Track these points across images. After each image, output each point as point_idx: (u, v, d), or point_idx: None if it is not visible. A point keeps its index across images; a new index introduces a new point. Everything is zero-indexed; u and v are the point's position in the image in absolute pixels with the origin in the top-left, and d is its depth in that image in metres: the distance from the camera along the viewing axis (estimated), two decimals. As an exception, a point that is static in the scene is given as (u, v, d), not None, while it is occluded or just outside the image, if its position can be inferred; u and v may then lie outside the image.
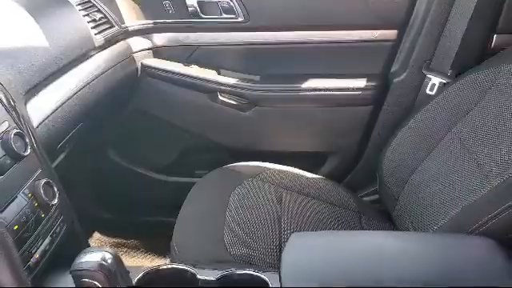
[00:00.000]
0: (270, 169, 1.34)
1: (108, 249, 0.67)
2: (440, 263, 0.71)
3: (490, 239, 0.77)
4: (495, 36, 1.29)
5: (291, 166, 1.37)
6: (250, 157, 1.41)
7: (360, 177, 1.53)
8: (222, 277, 0.83)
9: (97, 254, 0.66)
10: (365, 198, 1.51)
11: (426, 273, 0.69)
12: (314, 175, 1.38)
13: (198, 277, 0.84)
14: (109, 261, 0.65)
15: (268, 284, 0.82)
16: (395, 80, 1.41)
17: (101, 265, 0.65)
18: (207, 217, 1.18)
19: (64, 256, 0.82)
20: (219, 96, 1.49)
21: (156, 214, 1.61)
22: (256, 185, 1.26)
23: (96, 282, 0.64)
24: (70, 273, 0.65)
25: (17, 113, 0.83)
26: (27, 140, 0.82)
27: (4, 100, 0.81)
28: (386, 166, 1.25)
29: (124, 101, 1.49)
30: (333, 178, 1.42)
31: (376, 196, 1.46)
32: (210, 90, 1.49)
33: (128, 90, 1.46)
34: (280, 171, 1.33)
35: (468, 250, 0.76)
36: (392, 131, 1.29)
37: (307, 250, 0.77)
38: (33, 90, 0.94)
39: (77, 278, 0.65)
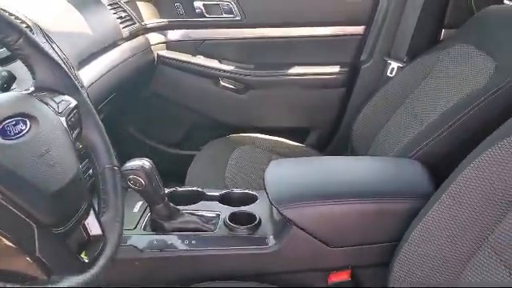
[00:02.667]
0: (261, 138, 1.61)
1: (147, 159, 0.96)
2: (379, 174, 1.01)
3: (416, 161, 1.08)
4: (443, 30, 1.60)
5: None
6: (246, 131, 1.67)
7: (337, 147, 1.78)
8: (225, 193, 1.12)
9: (139, 161, 0.94)
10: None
11: (370, 182, 0.98)
12: (300, 144, 1.67)
13: (206, 193, 1.12)
14: (147, 165, 0.94)
15: (257, 197, 1.11)
16: (363, 67, 1.72)
17: (142, 167, 0.93)
18: (210, 174, 1.41)
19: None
20: (220, 81, 1.77)
21: (165, 182, 1.87)
22: (250, 149, 1.52)
23: (139, 178, 0.93)
24: (121, 172, 0.94)
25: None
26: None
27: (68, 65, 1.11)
28: (356, 135, 1.54)
29: (143, 84, 1.76)
30: (315, 149, 1.71)
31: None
32: (213, 76, 1.77)
33: (146, 75, 1.73)
34: (270, 140, 1.60)
35: (399, 166, 1.07)
36: (360, 108, 1.60)
37: (282, 169, 1.04)
38: (82, 62, 1.25)
39: (125, 175, 0.93)
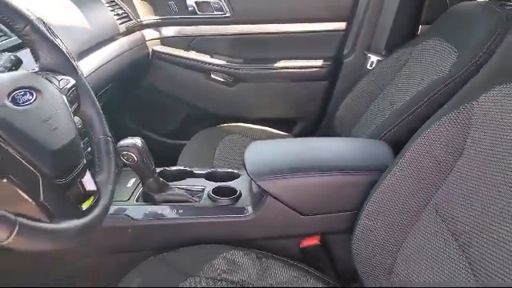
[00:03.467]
0: (249, 128, 1.72)
1: (139, 138, 1.06)
2: (346, 152, 1.12)
3: (381, 141, 1.19)
4: (420, 26, 1.71)
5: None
6: (235, 122, 1.78)
7: (322, 136, 1.87)
8: (210, 171, 1.24)
9: (132, 139, 1.05)
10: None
11: (336, 158, 1.09)
12: (286, 133, 1.78)
13: (194, 171, 1.24)
14: (139, 143, 1.05)
15: (239, 174, 1.22)
16: (345, 60, 1.82)
17: (134, 144, 1.04)
18: (199, 160, 1.51)
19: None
20: (212, 75, 1.88)
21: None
22: (237, 138, 1.63)
23: (132, 154, 1.04)
24: (116, 149, 1.05)
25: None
26: None
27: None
28: (338, 122, 1.65)
29: (138, 77, 1.88)
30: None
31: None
32: (204, 70, 1.89)
33: (142, 68, 1.85)
34: (258, 130, 1.71)
35: (365, 145, 1.17)
36: (343, 98, 1.71)
37: (260, 148, 1.15)
38: (81, 54, 1.36)
39: (120, 151, 1.04)
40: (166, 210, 1.06)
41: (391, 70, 1.52)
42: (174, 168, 1.23)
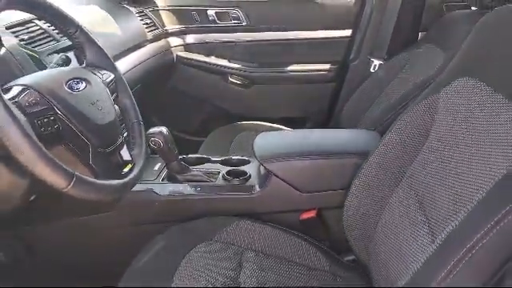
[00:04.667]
0: (263, 125, 1.89)
1: (165, 127, 1.25)
2: (339, 140, 1.29)
3: (373, 131, 1.35)
4: (420, 33, 1.87)
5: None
6: (250, 120, 1.95)
7: None
8: (225, 158, 1.42)
9: (158, 128, 1.24)
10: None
11: (331, 144, 1.27)
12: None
13: (211, 158, 1.42)
14: (164, 131, 1.24)
15: (250, 161, 1.40)
16: (351, 64, 2.00)
17: (160, 131, 1.23)
18: (216, 152, 1.69)
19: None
20: (229, 77, 2.09)
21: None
22: (251, 134, 1.78)
23: (158, 140, 1.22)
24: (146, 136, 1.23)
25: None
26: None
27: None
28: (344, 120, 1.82)
29: (164, 79, 2.08)
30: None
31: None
32: (223, 73, 2.09)
33: (167, 72, 2.05)
34: (269, 127, 1.87)
35: (357, 135, 1.34)
36: (348, 98, 1.88)
37: (267, 137, 1.33)
38: (115, 57, 1.56)
39: (148, 138, 1.22)
40: (186, 188, 1.25)
41: (391, 73, 1.68)
42: (193, 155, 1.42)
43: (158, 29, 1.99)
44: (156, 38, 1.95)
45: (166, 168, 1.31)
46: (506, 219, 0.57)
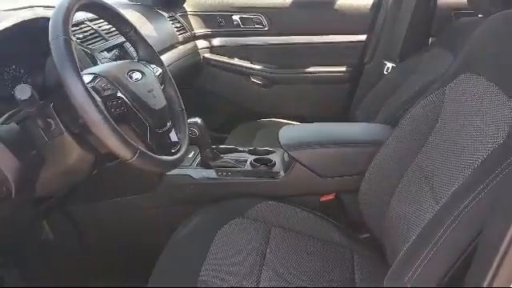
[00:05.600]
0: (282, 122, 2.04)
1: (199, 118, 1.41)
2: (355, 132, 1.43)
3: (384, 125, 1.49)
4: (431, 38, 2.01)
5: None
6: (270, 117, 2.12)
7: None
8: (251, 149, 1.56)
9: (194, 119, 1.40)
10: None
11: (348, 135, 1.41)
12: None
13: (239, 148, 1.57)
14: (199, 121, 1.40)
15: (274, 151, 1.54)
16: (366, 67, 2.15)
17: (196, 122, 1.39)
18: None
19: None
20: (251, 78, 2.25)
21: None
22: (271, 130, 1.94)
23: (194, 129, 1.38)
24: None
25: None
26: None
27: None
28: (359, 119, 1.96)
29: (191, 79, 2.24)
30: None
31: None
32: (245, 74, 2.25)
33: (194, 72, 2.21)
34: (287, 124, 2.05)
35: (370, 128, 1.48)
36: (363, 98, 2.02)
37: (291, 129, 1.49)
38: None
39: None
40: (218, 173, 1.41)
41: (402, 75, 1.81)
42: (223, 146, 1.57)
43: (186, 32, 2.15)
44: (185, 41, 2.11)
45: (199, 155, 1.47)
46: (494, 181, 0.71)
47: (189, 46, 2.15)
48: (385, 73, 2.04)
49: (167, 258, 1.13)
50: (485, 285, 0.59)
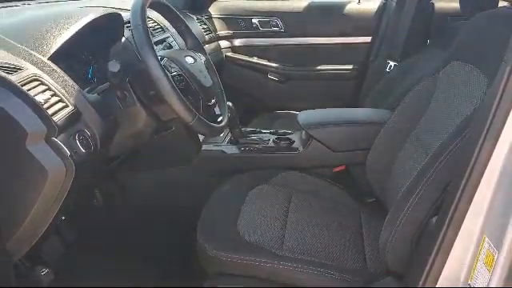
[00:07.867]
0: (295, 114, 2.30)
1: (230, 102, 1.67)
2: (362, 114, 1.69)
3: (386, 110, 1.75)
4: (428, 40, 2.27)
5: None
6: (285, 110, 2.37)
7: None
8: (272, 130, 1.83)
9: (228, 102, 1.66)
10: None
11: (357, 116, 1.67)
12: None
13: (262, 130, 1.83)
14: (231, 104, 1.66)
15: (292, 132, 1.80)
16: (371, 65, 2.41)
17: (228, 105, 1.65)
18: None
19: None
20: (268, 74, 2.51)
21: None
22: (287, 121, 2.21)
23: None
24: None
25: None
26: None
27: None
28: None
29: (215, 75, 2.53)
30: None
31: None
32: (263, 71, 2.51)
33: (217, 69, 2.43)
34: None
35: (376, 112, 1.74)
36: (368, 93, 2.28)
37: (309, 112, 1.74)
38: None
39: None
40: (246, 148, 1.66)
41: (403, 72, 2.06)
42: (248, 128, 1.83)
43: (211, 33, 2.40)
44: (210, 41, 2.37)
45: (229, 134, 1.72)
46: (467, 135, 0.96)
47: (213, 45, 2.40)
48: (387, 70, 2.29)
49: (210, 211, 1.37)
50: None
